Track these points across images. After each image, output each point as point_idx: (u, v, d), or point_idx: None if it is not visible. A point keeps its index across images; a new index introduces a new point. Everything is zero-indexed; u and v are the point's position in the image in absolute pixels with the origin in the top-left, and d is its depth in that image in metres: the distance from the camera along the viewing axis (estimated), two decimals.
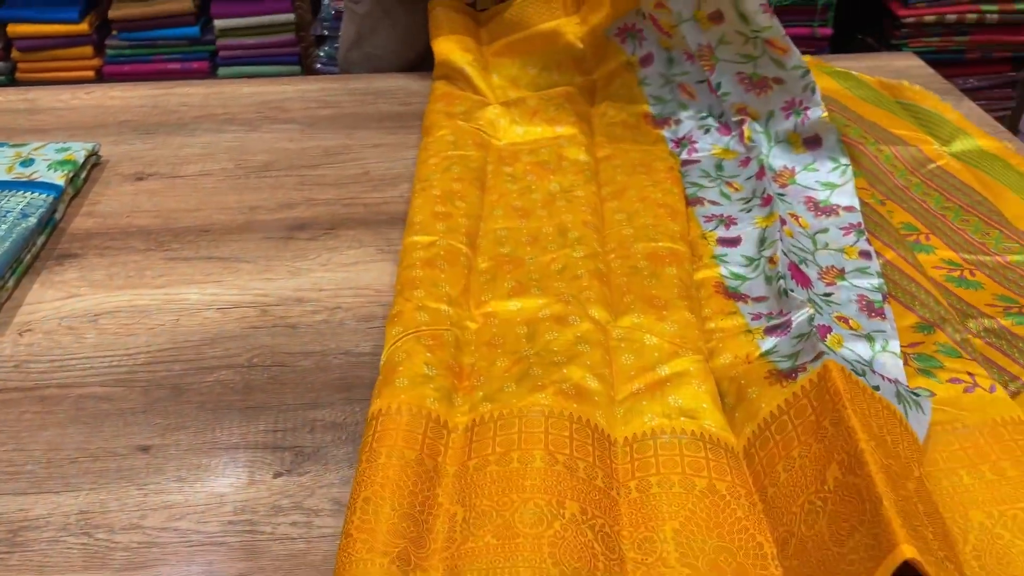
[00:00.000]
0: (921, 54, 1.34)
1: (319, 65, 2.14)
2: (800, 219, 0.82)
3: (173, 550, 0.55)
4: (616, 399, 0.63)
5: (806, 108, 0.91)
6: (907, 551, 0.45)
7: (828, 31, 2.22)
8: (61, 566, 0.54)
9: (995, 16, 2.19)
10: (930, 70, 1.24)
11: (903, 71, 1.21)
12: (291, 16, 2.07)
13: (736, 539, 0.52)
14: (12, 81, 2.18)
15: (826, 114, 0.91)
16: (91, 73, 2.05)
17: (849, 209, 0.82)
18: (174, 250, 0.83)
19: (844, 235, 0.79)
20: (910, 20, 2.20)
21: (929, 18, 2.20)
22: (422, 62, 1.24)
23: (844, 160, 0.89)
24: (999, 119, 1.32)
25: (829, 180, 0.87)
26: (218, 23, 2.04)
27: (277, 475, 0.60)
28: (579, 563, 0.50)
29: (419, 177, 0.89)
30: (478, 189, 0.88)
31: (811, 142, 0.91)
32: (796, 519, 0.52)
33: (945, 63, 2.13)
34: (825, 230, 0.81)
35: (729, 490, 0.55)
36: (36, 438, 0.63)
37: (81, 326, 0.74)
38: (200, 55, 2.08)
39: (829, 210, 0.83)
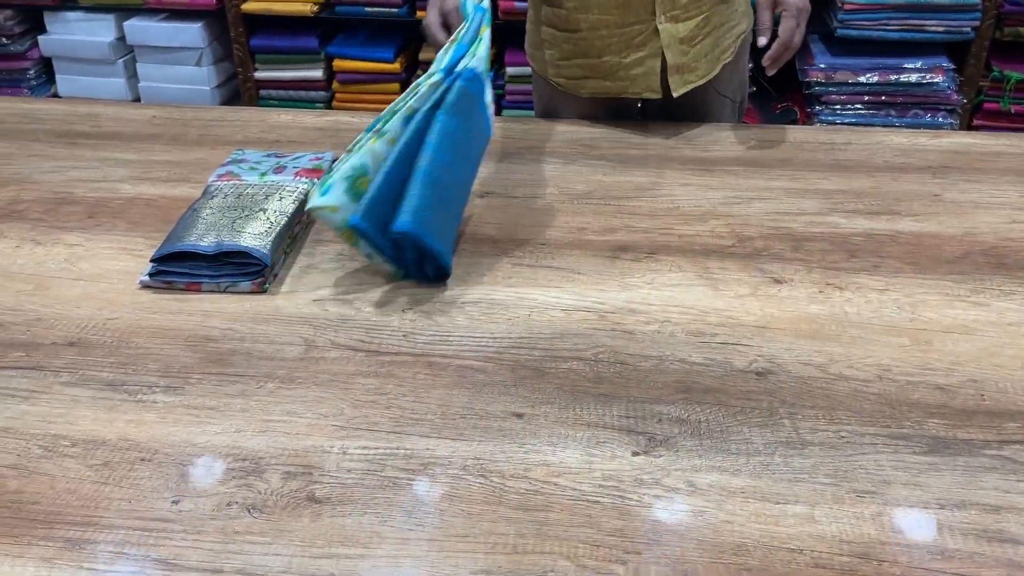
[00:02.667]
0: None
1: None
2: None
3: (556, 500, 0.64)
4: None
5: None
6: None
7: None
8: (466, 497, 0.64)
9: None
10: None
11: None
12: None
13: None
14: (329, 108, 2.48)
15: None
16: None
17: None
18: (517, 257, 0.95)
19: None
20: None
21: None
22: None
23: None
24: None
25: None
26: (510, 70, 2.24)
27: (635, 454, 0.68)
28: None
29: None
30: None
31: None
32: None
33: None
34: None
35: None
36: (429, 395, 0.75)
37: (451, 310, 0.86)
38: None
39: None
